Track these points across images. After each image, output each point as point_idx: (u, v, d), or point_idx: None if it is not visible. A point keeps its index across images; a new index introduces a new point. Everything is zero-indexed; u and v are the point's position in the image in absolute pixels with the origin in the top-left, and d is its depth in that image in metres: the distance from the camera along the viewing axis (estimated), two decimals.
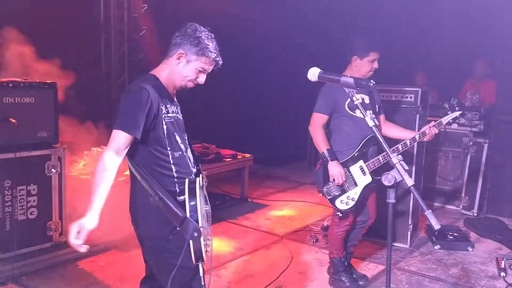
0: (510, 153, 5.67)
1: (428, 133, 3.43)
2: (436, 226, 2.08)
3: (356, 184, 3.50)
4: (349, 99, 2.50)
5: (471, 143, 5.73)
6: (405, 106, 4.49)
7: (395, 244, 4.64)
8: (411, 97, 4.47)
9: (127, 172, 2.32)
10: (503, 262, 4.09)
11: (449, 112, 3.53)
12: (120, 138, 2.14)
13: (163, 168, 2.23)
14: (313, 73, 2.36)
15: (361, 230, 3.85)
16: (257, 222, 5.40)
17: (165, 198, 2.14)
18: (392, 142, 3.43)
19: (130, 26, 7.04)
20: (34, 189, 4.00)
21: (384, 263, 3.77)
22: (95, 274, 3.89)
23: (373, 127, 2.20)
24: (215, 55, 2.29)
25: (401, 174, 2.10)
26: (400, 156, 2.15)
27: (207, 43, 2.26)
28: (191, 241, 2.12)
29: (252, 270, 4.11)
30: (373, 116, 2.21)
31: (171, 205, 2.14)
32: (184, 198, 2.21)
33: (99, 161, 2.14)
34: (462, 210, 5.80)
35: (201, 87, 2.42)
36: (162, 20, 6.95)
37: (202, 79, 2.33)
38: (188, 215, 2.14)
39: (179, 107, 2.40)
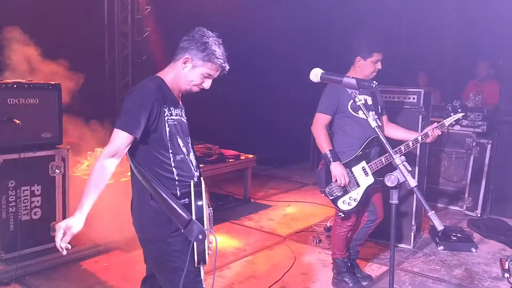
0: None
1: (431, 135, 3.43)
2: (439, 227, 2.08)
3: (358, 185, 3.50)
4: (352, 100, 2.51)
5: (474, 144, 5.72)
6: (408, 107, 4.48)
7: (398, 245, 4.64)
8: (414, 98, 4.47)
9: (130, 172, 2.33)
10: (507, 263, 4.08)
11: (451, 114, 3.53)
12: (120, 138, 2.14)
13: (164, 171, 2.23)
14: (316, 74, 2.37)
15: (369, 229, 3.85)
16: (260, 223, 5.40)
17: (169, 200, 2.14)
18: (394, 143, 3.43)
19: (133, 27, 7.07)
20: (38, 190, 4.01)
21: (388, 264, 3.78)
22: (98, 274, 3.90)
23: (375, 128, 2.20)
24: (221, 61, 2.27)
25: (404, 175, 2.10)
26: (403, 157, 2.15)
27: (214, 49, 2.25)
28: (195, 243, 2.12)
29: (255, 270, 4.11)
30: (376, 117, 2.21)
31: (176, 207, 2.14)
32: (185, 201, 2.22)
33: (98, 160, 2.14)
34: (466, 211, 5.78)
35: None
36: (166, 22, 6.98)
37: (207, 84, 2.32)
38: (194, 217, 2.14)
39: (183, 110, 2.39)
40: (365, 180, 3.50)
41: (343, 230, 3.69)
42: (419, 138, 3.43)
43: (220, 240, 4.64)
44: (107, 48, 7.12)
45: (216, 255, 2.24)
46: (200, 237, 2.12)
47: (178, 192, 2.25)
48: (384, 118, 3.77)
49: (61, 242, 2.04)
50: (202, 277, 2.31)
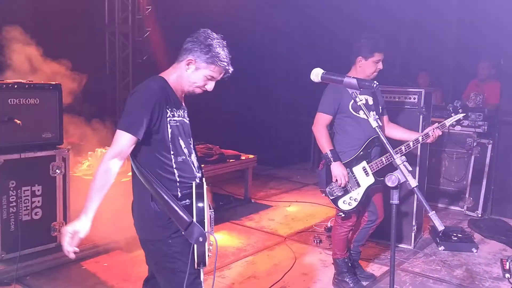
0: None
1: (432, 135, 3.43)
2: (440, 227, 2.07)
3: (359, 185, 3.50)
4: (353, 100, 2.51)
5: (475, 144, 5.72)
6: (409, 107, 4.48)
7: (399, 245, 4.63)
8: (414, 98, 4.47)
9: (131, 173, 2.33)
10: (507, 263, 4.07)
11: (452, 114, 3.53)
12: (123, 139, 2.13)
13: (166, 172, 2.22)
14: (316, 74, 2.37)
15: (370, 229, 3.85)
16: (261, 223, 5.40)
17: (170, 201, 2.13)
18: (395, 143, 3.43)
19: (134, 27, 7.07)
20: (38, 190, 4.01)
21: (388, 264, 3.77)
22: (99, 274, 3.90)
23: (376, 128, 2.20)
24: (225, 63, 2.26)
25: (404, 175, 2.09)
26: (403, 157, 2.14)
27: (218, 51, 2.23)
28: (195, 245, 2.12)
29: (255, 271, 4.11)
30: (377, 117, 2.21)
31: (177, 209, 2.13)
32: (187, 203, 2.22)
33: (102, 162, 2.13)
34: (466, 211, 5.78)
35: None
36: (166, 22, 6.98)
37: (210, 86, 2.31)
38: (194, 219, 2.14)
39: (186, 111, 2.38)
40: (366, 180, 3.50)
41: (343, 230, 3.69)
42: (420, 138, 3.43)
43: (221, 240, 4.64)
44: (108, 48, 7.13)
45: (216, 256, 2.23)
46: (201, 239, 2.11)
47: (179, 193, 2.24)
48: (385, 118, 3.77)
49: (69, 246, 2.05)
50: (202, 279, 2.31)
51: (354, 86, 2.24)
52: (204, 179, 2.38)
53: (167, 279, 2.29)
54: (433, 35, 7.85)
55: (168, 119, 2.22)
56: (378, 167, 3.47)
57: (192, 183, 2.26)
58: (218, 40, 2.26)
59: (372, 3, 7.40)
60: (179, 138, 2.27)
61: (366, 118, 2.23)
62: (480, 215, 5.67)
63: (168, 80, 2.28)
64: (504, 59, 5.92)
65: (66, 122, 4.31)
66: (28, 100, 3.98)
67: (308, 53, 7.93)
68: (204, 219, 2.15)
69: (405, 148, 3.42)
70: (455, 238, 4.75)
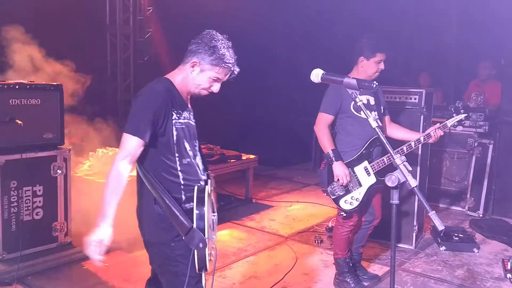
0: None
1: (433, 135, 3.43)
2: (440, 227, 2.07)
3: (360, 185, 3.50)
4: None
5: (476, 144, 5.71)
6: (410, 107, 4.48)
7: (400, 245, 4.63)
8: (415, 99, 4.47)
9: (133, 173, 2.33)
10: (509, 263, 4.07)
11: (454, 115, 3.53)
12: (131, 143, 2.12)
13: (170, 175, 2.21)
14: (316, 75, 2.36)
15: (368, 230, 3.85)
16: (262, 223, 5.41)
17: (172, 206, 2.13)
18: (397, 143, 3.43)
19: (135, 28, 7.09)
20: (39, 190, 4.02)
21: (389, 264, 3.77)
22: (100, 274, 3.91)
23: (376, 128, 2.20)
24: (230, 65, 2.24)
25: (404, 175, 2.10)
26: (403, 157, 2.15)
27: (222, 52, 2.21)
28: (195, 250, 2.12)
29: (256, 271, 4.11)
30: (377, 117, 2.21)
31: (178, 214, 2.12)
32: (190, 206, 2.20)
33: (112, 167, 2.12)
34: (468, 211, 5.77)
35: None
36: (167, 23, 6.99)
37: (216, 88, 2.30)
38: (194, 225, 2.12)
39: (192, 113, 2.36)
40: (367, 180, 3.50)
41: (345, 230, 3.69)
42: (422, 139, 3.43)
43: (222, 240, 4.65)
44: (109, 49, 7.14)
45: (216, 258, 2.23)
46: (201, 245, 2.10)
47: (183, 196, 2.23)
48: (387, 118, 3.77)
49: (96, 255, 2.06)
50: (204, 284, 2.31)
51: (354, 87, 2.24)
52: (210, 181, 2.37)
53: (170, 282, 2.29)
54: (433, 35, 7.85)
55: (174, 121, 2.20)
56: (379, 167, 3.47)
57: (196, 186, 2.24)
58: (222, 41, 2.24)
59: (373, 3, 7.40)
60: (184, 140, 2.26)
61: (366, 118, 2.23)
62: (481, 215, 5.66)
63: (173, 81, 2.27)
64: (505, 59, 5.92)
65: (67, 122, 4.32)
66: (29, 101, 3.98)
67: (308, 53, 7.93)
68: (204, 225, 2.14)
69: (406, 148, 3.42)
70: (456, 238, 4.75)
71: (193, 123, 2.37)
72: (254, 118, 8.60)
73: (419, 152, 4.52)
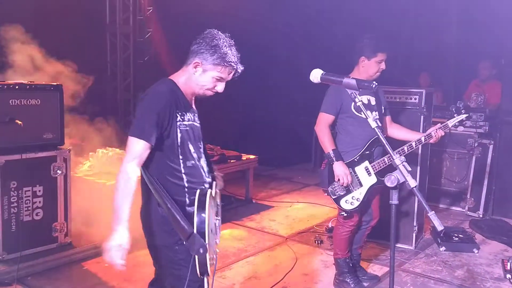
0: None
1: (434, 135, 3.43)
2: (439, 227, 2.07)
3: (361, 185, 3.50)
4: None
5: (476, 144, 5.71)
6: (410, 107, 4.48)
7: (400, 246, 4.62)
8: (415, 99, 4.47)
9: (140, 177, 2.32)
10: (509, 264, 4.06)
11: (455, 115, 3.52)
12: (137, 146, 2.11)
13: (174, 178, 2.20)
14: (315, 75, 2.36)
15: (365, 230, 3.85)
16: (262, 223, 5.40)
17: (173, 210, 2.11)
18: (398, 143, 3.43)
19: (135, 28, 7.08)
20: (39, 190, 4.02)
21: (389, 265, 3.77)
22: (100, 275, 3.91)
23: (375, 128, 2.20)
24: (232, 63, 2.21)
25: (403, 175, 2.09)
26: (403, 157, 2.15)
27: (224, 51, 2.19)
28: (196, 256, 2.11)
29: (256, 271, 4.11)
30: (376, 117, 2.21)
31: (179, 219, 2.11)
32: (194, 209, 2.17)
33: (120, 171, 2.10)
34: (468, 212, 5.77)
35: None
36: (167, 23, 6.99)
37: (220, 87, 2.28)
38: (195, 230, 2.11)
39: (196, 114, 2.35)
40: (368, 180, 3.50)
41: (345, 230, 3.69)
42: (423, 139, 3.43)
43: (222, 241, 4.64)
44: (109, 49, 7.13)
45: (215, 262, 2.23)
46: (201, 251, 2.09)
47: (187, 199, 2.22)
48: (388, 118, 3.77)
49: (118, 260, 2.04)
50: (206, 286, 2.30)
51: (353, 87, 2.24)
52: (215, 183, 2.36)
53: (172, 286, 2.29)
54: (433, 35, 7.85)
55: (178, 123, 2.19)
56: (380, 167, 3.47)
57: (200, 189, 2.23)
58: (224, 40, 2.22)
59: (373, 3, 7.40)
60: (189, 142, 2.24)
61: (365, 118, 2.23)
62: (481, 216, 5.65)
63: (177, 82, 2.25)
64: (505, 59, 5.92)
65: (67, 122, 4.32)
66: (29, 101, 3.99)
67: (308, 53, 7.93)
68: (205, 230, 2.12)
69: (407, 149, 3.42)
70: (456, 239, 4.74)
71: (198, 125, 2.35)
72: (254, 118, 8.59)
73: (419, 152, 4.51)
